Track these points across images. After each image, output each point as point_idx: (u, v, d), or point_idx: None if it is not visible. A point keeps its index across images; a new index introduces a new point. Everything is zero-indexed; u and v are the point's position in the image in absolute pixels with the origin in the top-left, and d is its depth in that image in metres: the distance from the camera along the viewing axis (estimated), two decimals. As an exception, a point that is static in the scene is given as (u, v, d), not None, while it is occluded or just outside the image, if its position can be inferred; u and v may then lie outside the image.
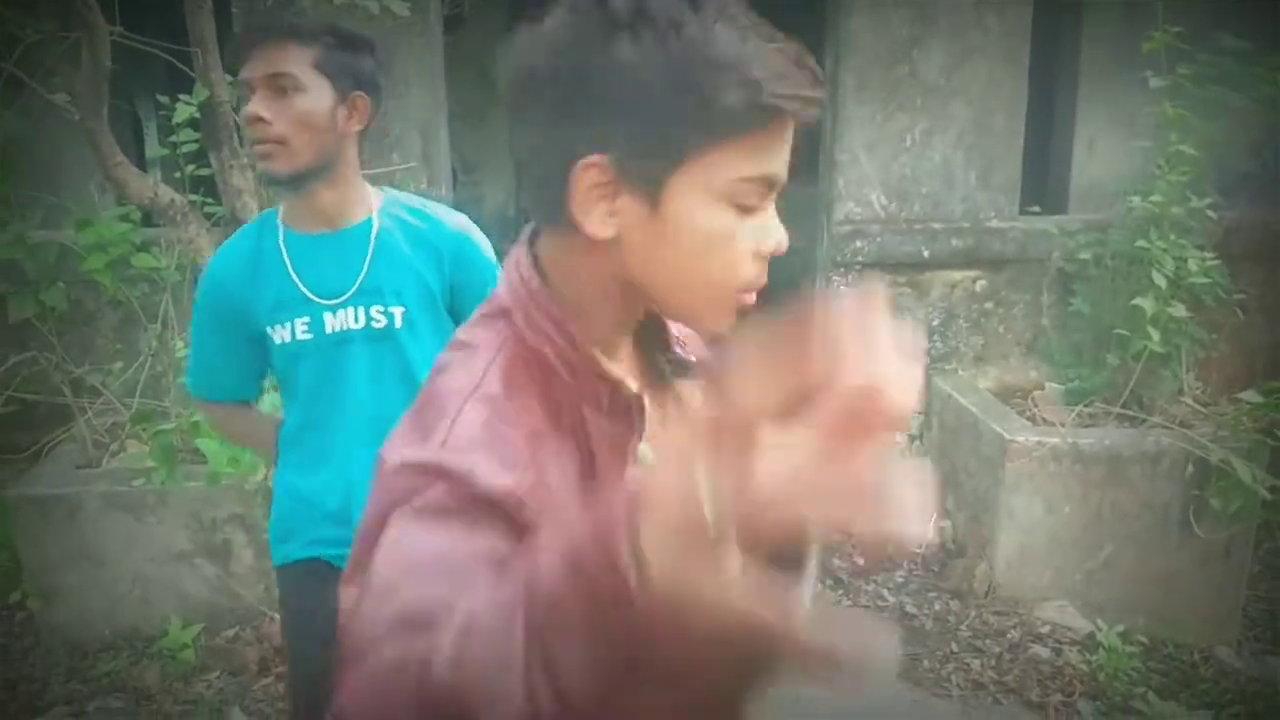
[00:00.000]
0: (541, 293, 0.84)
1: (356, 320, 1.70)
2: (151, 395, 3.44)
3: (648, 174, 0.76)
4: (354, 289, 1.69)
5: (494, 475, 0.73)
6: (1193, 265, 3.32)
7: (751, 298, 0.83)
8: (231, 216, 3.20)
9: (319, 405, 1.74)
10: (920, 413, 4.16)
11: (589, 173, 0.76)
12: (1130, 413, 3.46)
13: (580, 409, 0.83)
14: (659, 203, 0.77)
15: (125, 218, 3.29)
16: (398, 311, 1.71)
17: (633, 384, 0.87)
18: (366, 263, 1.69)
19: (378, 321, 1.70)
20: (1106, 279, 3.62)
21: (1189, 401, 3.59)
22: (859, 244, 4.01)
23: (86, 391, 3.45)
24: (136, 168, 3.20)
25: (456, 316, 1.81)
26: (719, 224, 0.78)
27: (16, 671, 3.03)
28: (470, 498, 0.72)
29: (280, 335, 1.69)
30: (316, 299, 1.68)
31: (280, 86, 1.59)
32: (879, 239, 4.00)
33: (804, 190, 5.05)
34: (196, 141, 3.17)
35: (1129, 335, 3.36)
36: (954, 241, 3.98)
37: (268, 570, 3.12)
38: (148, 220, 3.42)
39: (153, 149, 3.99)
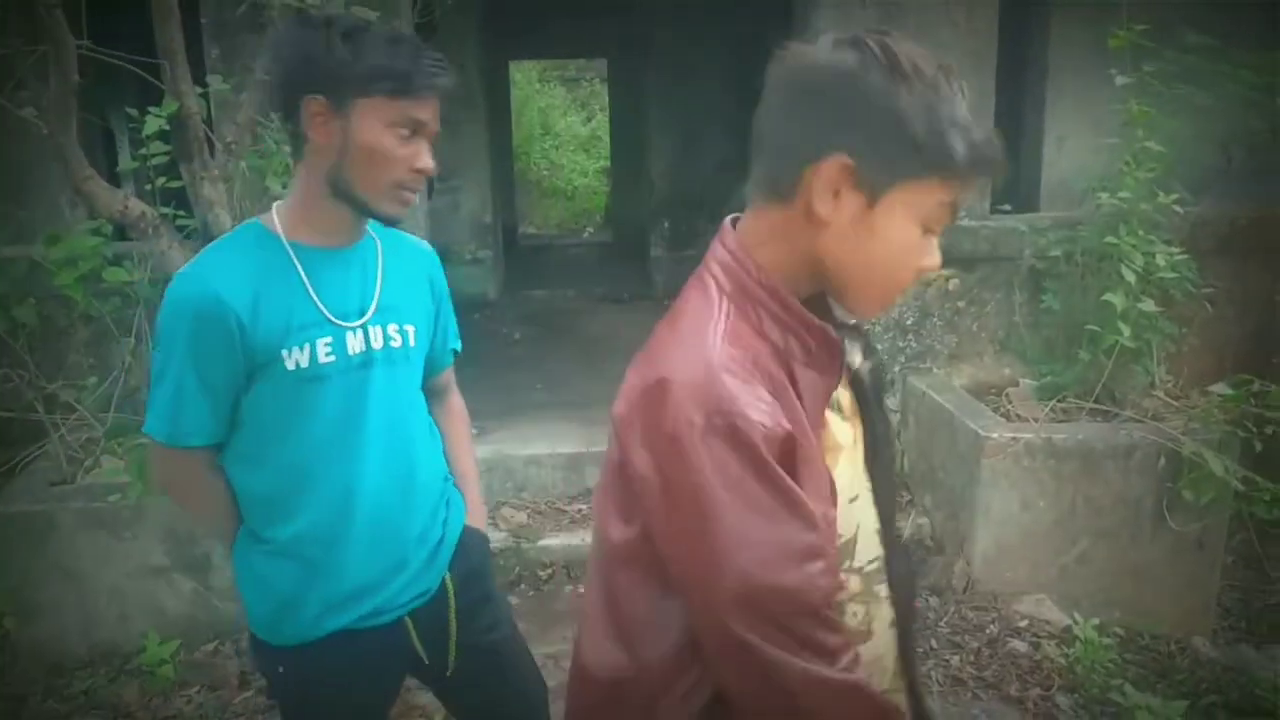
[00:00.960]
0: (752, 263, 1.02)
1: (376, 340, 1.58)
2: (126, 410, 3.41)
3: (878, 180, 0.97)
4: (373, 306, 1.58)
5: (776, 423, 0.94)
6: (1161, 260, 3.36)
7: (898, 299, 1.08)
8: (203, 229, 3.19)
9: (327, 441, 1.55)
10: (897, 411, 4.19)
11: (833, 166, 0.96)
12: (1103, 407, 3.50)
13: (790, 367, 1.01)
14: (875, 204, 0.98)
15: (97, 231, 3.26)
16: (411, 330, 1.64)
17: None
18: (379, 278, 1.61)
19: (395, 340, 1.60)
20: (1077, 276, 3.65)
21: (1160, 395, 3.63)
22: (833, 245, 4.03)
23: (60, 407, 3.42)
24: (108, 181, 3.19)
25: (436, 340, 1.79)
26: (911, 236, 1.00)
27: (-7, 690, 3.01)
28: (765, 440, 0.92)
29: (297, 359, 1.50)
30: (335, 319, 1.53)
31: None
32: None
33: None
34: (167, 154, 3.15)
35: (1100, 331, 3.40)
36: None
37: (246, 583, 3.11)
38: (120, 234, 3.40)
39: (126, 162, 3.97)
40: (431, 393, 1.80)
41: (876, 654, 1.11)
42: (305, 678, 1.64)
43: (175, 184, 3.22)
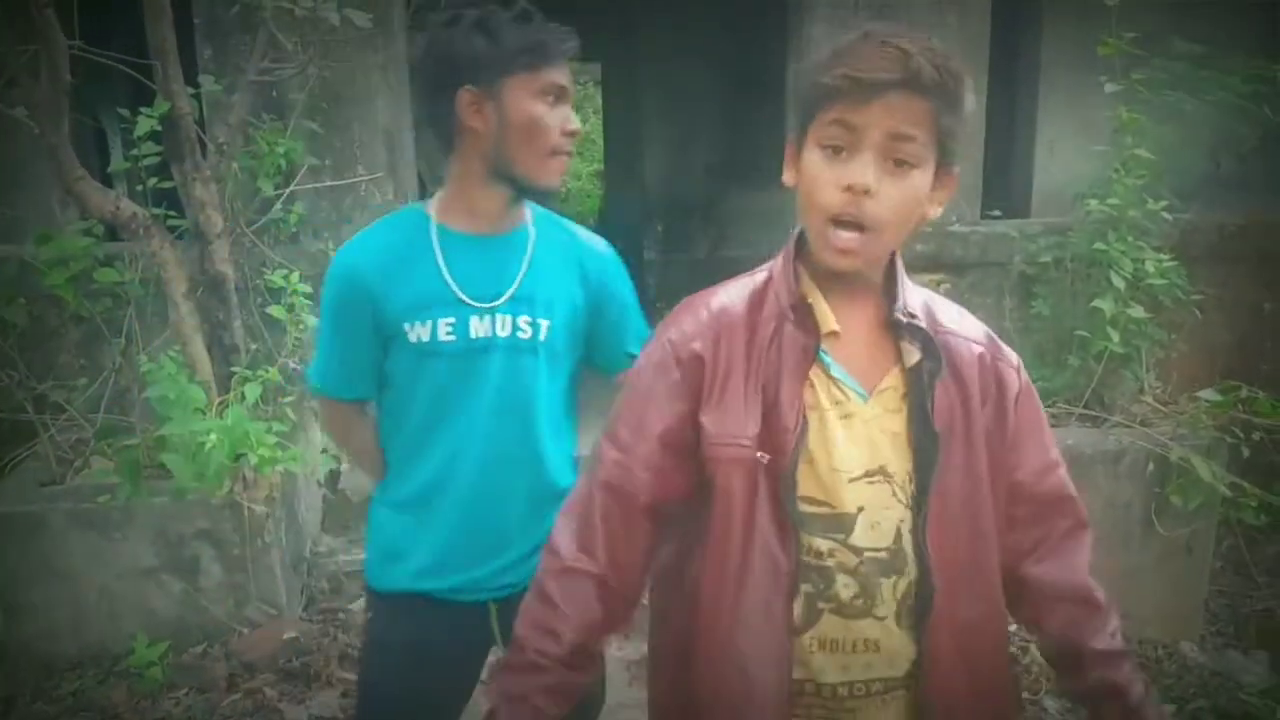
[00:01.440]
0: (790, 243, 1.23)
1: (503, 328, 1.62)
2: (116, 411, 3.41)
3: (798, 137, 1.16)
4: (508, 294, 1.62)
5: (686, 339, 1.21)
6: (1150, 267, 3.37)
7: (847, 238, 1.11)
8: (195, 229, 3.19)
9: (440, 413, 1.65)
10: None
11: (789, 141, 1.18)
12: (1092, 413, 3.51)
13: (782, 322, 1.18)
14: (800, 156, 1.15)
15: (88, 232, 3.26)
16: (544, 324, 1.65)
17: (821, 303, 1.18)
18: (523, 269, 1.64)
19: (524, 332, 1.63)
20: (1066, 282, 3.67)
21: (1149, 401, 3.64)
22: (825, 249, 4.04)
23: (50, 408, 3.41)
24: (100, 182, 3.19)
25: (592, 340, 1.75)
26: (812, 162, 1.13)
27: (-19, 692, 3.00)
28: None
29: (418, 334, 1.60)
30: (467, 300, 1.60)
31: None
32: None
33: (772, 196, 5.09)
34: (159, 154, 3.15)
35: (1089, 336, 3.41)
36: (917, 246, 4.02)
37: (237, 585, 3.11)
38: (111, 234, 3.40)
39: (117, 162, 3.96)
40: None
41: (873, 637, 1.17)
42: (384, 627, 1.77)
43: (167, 185, 3.22)
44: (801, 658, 1.16)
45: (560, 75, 1.57)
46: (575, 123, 1.60)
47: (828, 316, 1.18)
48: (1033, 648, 3.14)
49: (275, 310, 3.30)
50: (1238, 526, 3.29)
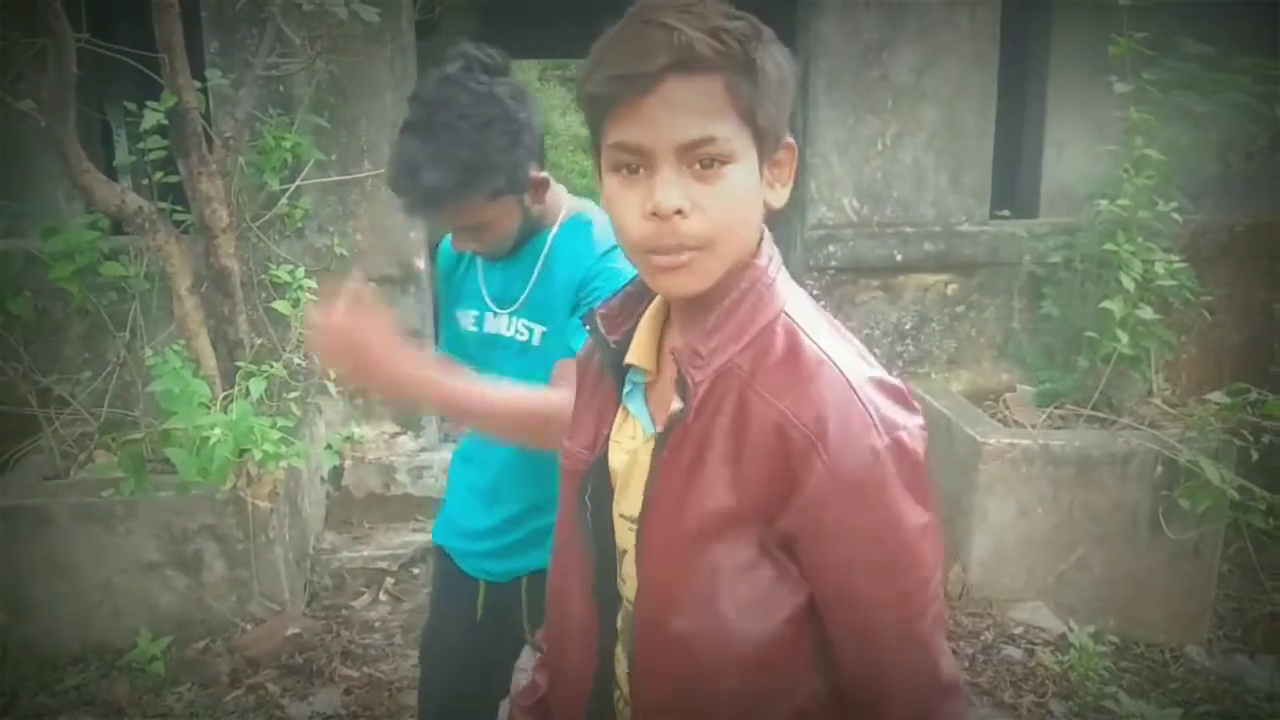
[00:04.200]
0: None
1: (507, 328, 1.77)
2: (120, 405, 3.40)
3: (595, 158, 1.00)
4: (519, 302, 1.75)
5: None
6: (1160, 268, 3.35)
7: (666, 260, 0.95)
8: (200, 223, 3.19)
9: None
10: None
11: None
12: (1100, 414, 3.50)
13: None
14: (601, 179, 0.99)
15: (93, 225, 3.25)
16: (538, 330, 1.74)
17: (643, 329, 1.08)
18: (534, 279, 1.73)
19: (521, 335, 1.76)
20: (1076, 282, 3.65)
21: (1158, 403, 3.62)
22: (832, 248, 4.03)
23: (54, 401, 3.41)
24: (105, 175, 3.19)
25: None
26: (611, 189, 0.97)
27: (-16, 686, 2.99)
28: None
29: (462, 320, 1.85)
30: (490, 302, 1.79)
31: (474, 229, 1.66)
32: (851, 243, 4.02)
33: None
34: (165, 149, 3.14)
35: (1098, 338, 3.40)
36: (926, 245, 4.01)
37: (240, 581, 3.11)
38: (116, 228, 3.39)
39: (123, 156, 3.95)
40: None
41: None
42: (433, 569, 2.05)
43: (173, 179, 3.21)
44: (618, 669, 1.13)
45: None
46: (455, 242, 1.75)
47: (638, 347, 1.08)
48: (1039, 650, 3.13)
49: (280, 305, 3.30)
50: (1246, 530, 3.26)
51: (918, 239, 4.01)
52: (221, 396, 3.07)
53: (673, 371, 1.02)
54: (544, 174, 1.65)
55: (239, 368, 3.13)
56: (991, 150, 4.03)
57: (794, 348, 0.98)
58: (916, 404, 0.99)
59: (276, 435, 2.93)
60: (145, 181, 3.26)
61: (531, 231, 1.71)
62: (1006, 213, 4.05)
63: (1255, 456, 3.13)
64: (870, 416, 0.93)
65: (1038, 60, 4.27)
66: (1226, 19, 3.75)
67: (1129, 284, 3.30)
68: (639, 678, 1.07)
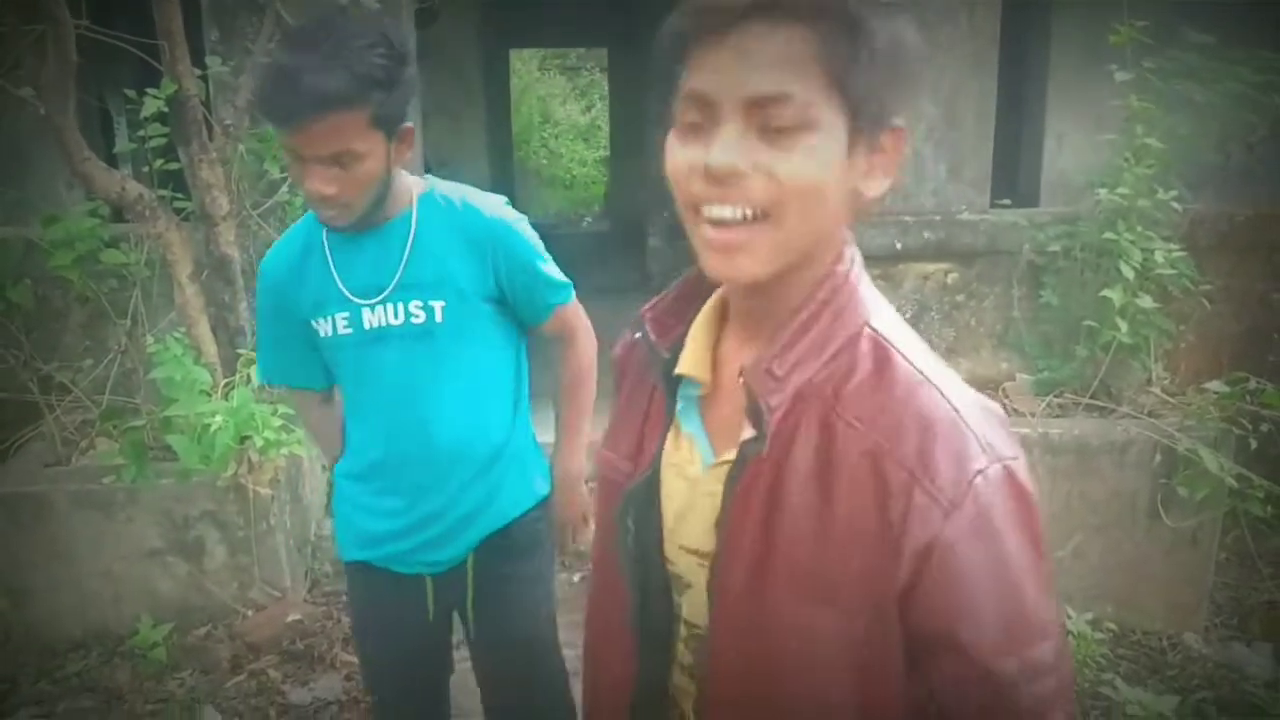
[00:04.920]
0: None
1: (395, 316, 1.67)
2: (121, 392, 3.41)
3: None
4: (392, 285, 1.66)
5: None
6: (1159, 257, 3.35)
7: (720, 236, 0.83)
8: (201, 211, 3.19)
9: (361, 400, 1.78)
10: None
11: None
12: (1100, 403, 3.50)
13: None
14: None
15: (93, 213, 3.26)
16: (438, 305, 1.67)
17: (697, 337, 0.96)
18: (405, 257, 1.65)
19: (416, 317, 1.67)
20: (1076, 271, 3.65)
21: (1157, 391, 3.63)
22: (832, 237, 4.02)
23: (55, 389, 3.42)
24: (105, 163, 3.18)
25: (513, 307, 1.76)
26: (671, 148, 0.86)
27: (-15, 672, 3.00)
28: None
29: (323, 329, 1.71)
30: (354, 298, 1.67)
31: (340, 162, 1.52)
32: (851, 230, 4.02)
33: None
34: (165, 136, 3.14)
35: (1097, 326, 3.40)
36: (925, 234, 4.01)
37: (241, 567, 3.11)
38: (117, 215, 3.39)
39: (123, 144, 3.95)
40: (550, 342, 1.88)
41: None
42: (349, 593, 1.98)
43: (173, 166, 3.21)
44: (675, 680, 1.02)
45: (294, 138, 1.50)
46: (311, 186, 1.54)
47: (691, 355, 0.95)
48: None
49: (281, 293, 3.29)
50: (1244, 518, 3.27)
51: (917, 228, 4.01)
52: (223, 384, 3.08)
53: (732, 384, 0.90)
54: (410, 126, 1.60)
55: (240, 355, 3.14)
56: (992, 140, 4.02)
57: (885, 367, 0.85)
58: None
59: (277, 422, 2.94)
60: (145, 169, 3.26)
61: (385, 212, 1.64)
62: (1007, 201, 4.05)
63: (1254, 445, 3.14)
64: (979, 445, 0.81)
65: (1039, 50, 4.27)
66: (1226, 8, 3.74)
67: (1128, 273, 3.31)
68: (713, 708, 0.96)
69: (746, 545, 0.87)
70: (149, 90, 3.07)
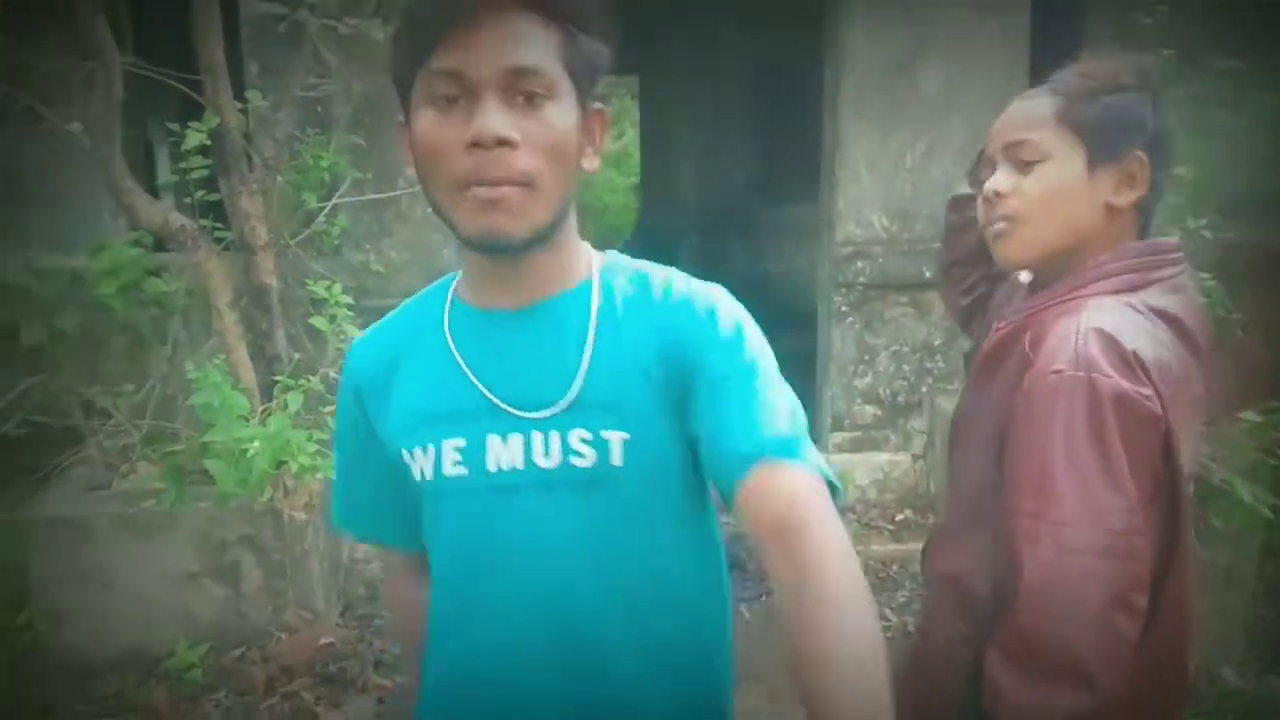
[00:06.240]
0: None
1: (547, 454, 1.04)
2: (162, 417, 3.48)
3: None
4: (567, 399, 1.04)
5: None
6: (1190, 285, 3.33)
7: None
8: (240, 240, 3.27)
9: (460, 582, 1.12)
10: (923, 432, 4.18)
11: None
12: (1131, 431, 3.47)
13: None
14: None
15: (137, 243, 3.33)
16: (617, 440, 1.04)
17: None
18: (586, 356, 1.05)
19: (582, 457, 1.04)
20: (1106, 298, 3.63)
21: (1190, 420, 3.59)
22: (860, 264, 4.04)
23: (97, 414, 3.49)
24: (148, 194, 3.27)
25: (698, 456, 1.06)
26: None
27: (24, 692, 3.05)
28: None
29: (421, 466, 1.08)
30: (501, 404, 1.05)
31: (524, 90, 0.97)
32: (880, 259, 4.04)
33: (804, 209, 5.09)
34: (207, 168, 3.22)
35: (1128, 354, 3.38)
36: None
37: (276, 591, 3.16)
38: (159, 245, 3.48)
39: (164, 175, 4.05)
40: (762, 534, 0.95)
41: None
42: None
43: (214, 197, 3.29)
44: None
45: (451, 57, 0.94)
46: (485, 128, 0.93)
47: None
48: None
49: (317, 321, 3.36)
50: (1280, 549, 3.24)
51: (947, 255, 4.01)
52: (260, 410, 3.14)
53: None
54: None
55: (277, 381, 3.20)
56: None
57: None
58: None
59: (313, 448, 2.99)
60: (187, 199, 3.34)
61: (557, 271, 1.07)
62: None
63: (1289, 476, 3.11)
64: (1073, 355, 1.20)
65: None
66: (1258, 34, 3.74)
67: (1158, 301, 3.29)
68: None
69: None
70: (191, 123, 3.15)
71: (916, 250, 4.02)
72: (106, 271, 3.22)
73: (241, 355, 3.25)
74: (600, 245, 1.15)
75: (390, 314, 1.20)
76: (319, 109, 3.64)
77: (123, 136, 3.14)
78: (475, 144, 0.94)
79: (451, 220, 1.00)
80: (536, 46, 0.96)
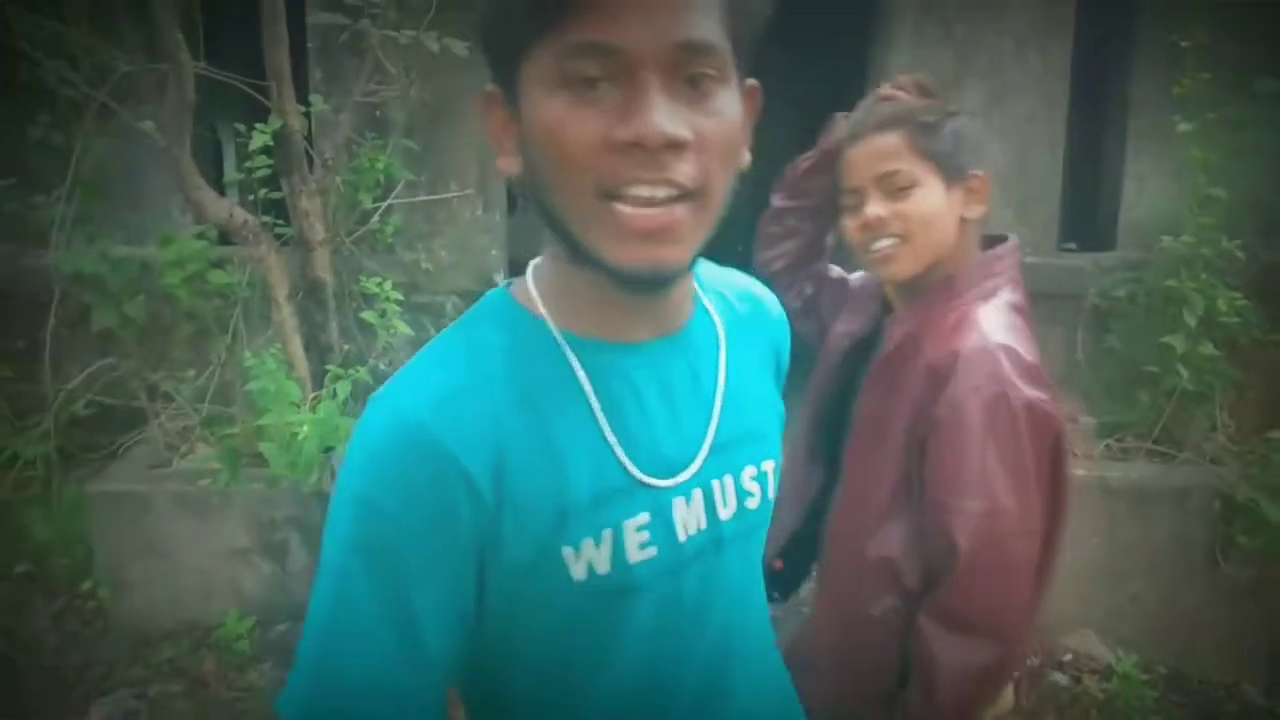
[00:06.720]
0: None
1: (725, 503, 0.88)
2: (220, 401, 3.64)
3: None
4: (706, 445, 0.87)
5: None
6: (1222, 305, 3.35)
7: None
8: (299, 237, 3.43)
9: (640, 687, 0.87)
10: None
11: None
12: (1161, 449, 3.50)
13: None
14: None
15: (202, 236, 3.49)
16: (770, 469, 0.94)
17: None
18: (719, 391, 0.90)
19: (753, 497, 0.91)
20: (1140, 317, 3.66)
21: (1221, 439, 3.61)
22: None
23: (161, 397, 3.67)
24: (214, 191, 3.44)
25: None
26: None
27: (85, 656, 3.24)
28: None
29: (590, 560, 0.81)
30: (650, 480, 0.84)
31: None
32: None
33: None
34: (270, 167, 3.38)
35: (1159, 372, 3.41)
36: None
37: (320, 569, 3.30)
38: (223, 239, 3.65)
39: (230, 173, 4.23)
40: None
41: None
42: None
43: (276, 195, 3.45)
44: None
45: (600, 27, 0.72)
46: (653, 125, 0.71)
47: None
48: (1085, 678, 3.15)
49: (368, 315, 3.49)
50: (1307, 569, 3.24)
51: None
52: (311, 397, 3.29)
53: None
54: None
55: (328, 371, 3.34)
56: (1059, 184, 4.05)
57: None
58: None
59: (359, 435, 3.11)
60: (251, 197, 3.48)
61: (677, 300, 0.89)
62: (1073, 245, 4.07)
63: (1316, 496, 3.12)
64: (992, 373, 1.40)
65: (1118, 91, 4.28)
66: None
67: (1190, 320, 3.32)
68: None
69: None
70: (257, 125, 3.30)
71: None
72: (173, 263, 3.38)
73: (296, 345, 3.40)
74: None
75: (432, 359, 0.84)
76: (377, 114, 3.79)
77: (192, 136, 3.31)
78: (637, 145, 0.71)
79: (585, 241, 0.75)
80: (709, 12, 0.74)
